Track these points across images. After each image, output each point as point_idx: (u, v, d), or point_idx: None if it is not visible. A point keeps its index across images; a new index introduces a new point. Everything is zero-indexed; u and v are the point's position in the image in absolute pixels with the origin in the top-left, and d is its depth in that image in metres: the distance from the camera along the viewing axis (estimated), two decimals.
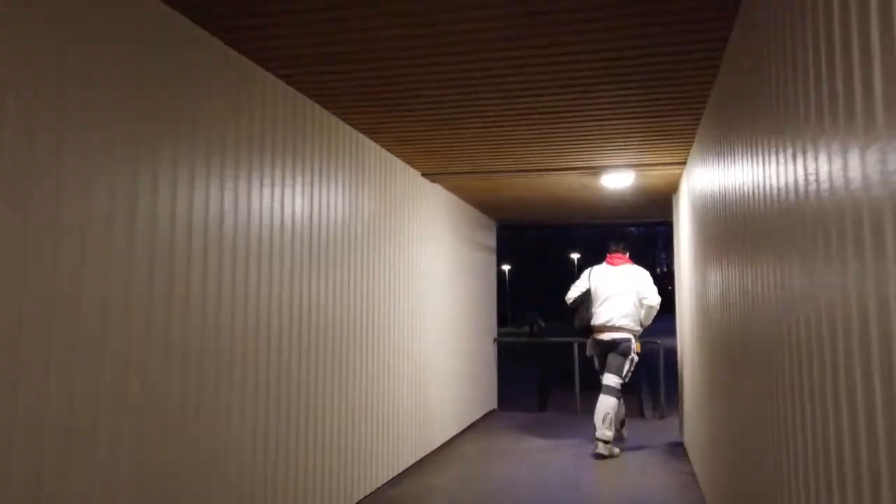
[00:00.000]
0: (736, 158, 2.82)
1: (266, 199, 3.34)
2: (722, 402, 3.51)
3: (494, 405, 8.47)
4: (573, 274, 49.66)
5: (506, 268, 43.57)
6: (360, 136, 4.48)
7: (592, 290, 6.09)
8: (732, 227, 2.96)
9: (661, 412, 8.13)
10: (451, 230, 6.75)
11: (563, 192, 6.64)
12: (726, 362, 3.29)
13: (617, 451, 5.78)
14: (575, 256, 49.43)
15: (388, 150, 4.93)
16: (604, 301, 5.98)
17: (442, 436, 6.22)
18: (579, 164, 5.33)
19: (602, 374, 5.97)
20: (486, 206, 7.70)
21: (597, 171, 5.54)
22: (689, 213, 5.19)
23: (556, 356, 10.20)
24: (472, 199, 7.24)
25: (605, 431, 5.62)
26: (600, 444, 5.62)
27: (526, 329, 15.87)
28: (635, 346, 5.96)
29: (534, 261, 49.62)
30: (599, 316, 5.98)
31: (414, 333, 5.51)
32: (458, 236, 7.02)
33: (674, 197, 6.71)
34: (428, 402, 5.83)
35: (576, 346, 8.22)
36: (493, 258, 8.94)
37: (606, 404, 5.71)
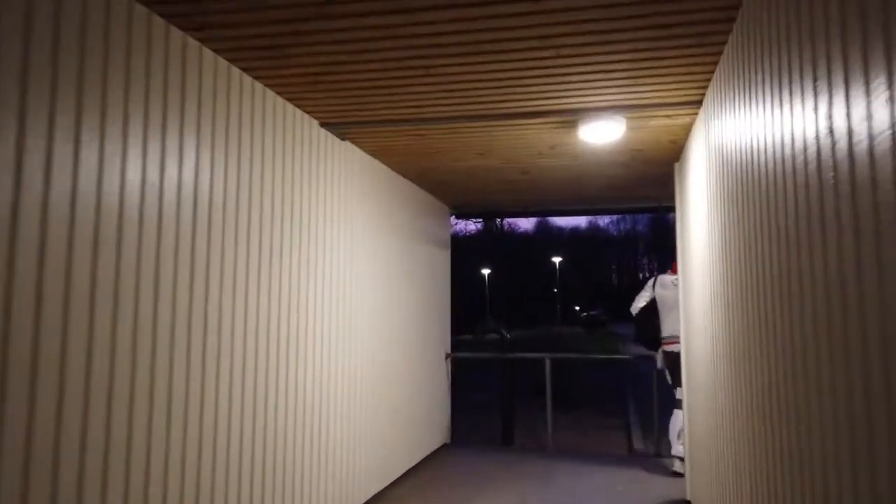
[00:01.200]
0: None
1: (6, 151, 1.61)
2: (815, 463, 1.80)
3: (447, 438, 6.72)
4: (554, 279, 48.33)
5: (485, 272, 42.13)
6: (181, 35, 2.73)
7: (658, 299, 5.76)
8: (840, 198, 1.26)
9: (655, 448, 6.45)
10: (379, 213, 5.01)
11: (527, 157, 4.92)
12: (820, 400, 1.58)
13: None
14: (557, 260, 48.22)
15: (248, 73, 3.18)
16: (669, 311, 5.62)
17: (358, 494, 4.46)
18: (546, 104, 3.62)
19: (675, 387, 5.55)
20: (430, 182, 5.95)
21: (572, 117, 3.83)
22: (708, 185, 3.50)
23: (526, 374, 8.59)
24: (410, 173, 5.51)
25: (679, 447, 5.36)
26: (677, 462, 5.39)
27: (494, 337, 14.30)
28: None
29: (515, 265, 48.28)
30: (666, 327, 5.67)
31: (318, 354, 3.77)
32: (391, 223, 5.28)
33: (676, 167, 5.02)
34: (340, 444, 4.08)
35: (548, 363, 6.67)
36: (447, 253, 7.17)
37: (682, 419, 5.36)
